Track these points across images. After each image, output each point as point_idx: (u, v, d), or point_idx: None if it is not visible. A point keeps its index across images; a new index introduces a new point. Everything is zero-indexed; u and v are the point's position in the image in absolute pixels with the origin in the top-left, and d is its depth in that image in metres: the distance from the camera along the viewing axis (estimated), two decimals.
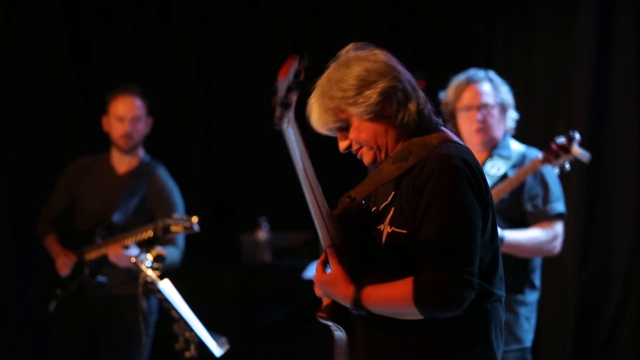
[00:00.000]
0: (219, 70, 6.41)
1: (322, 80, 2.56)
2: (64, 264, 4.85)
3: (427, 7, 6.13)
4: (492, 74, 4.29)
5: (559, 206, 4.16)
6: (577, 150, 4.02)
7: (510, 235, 4.02)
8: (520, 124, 4.44)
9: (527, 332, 4.17)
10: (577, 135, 4.02)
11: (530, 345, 4.19)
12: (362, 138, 2.55)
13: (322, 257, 2.54)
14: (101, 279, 4.81)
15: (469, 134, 4.24)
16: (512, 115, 4.30)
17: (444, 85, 4.37)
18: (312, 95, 2.56)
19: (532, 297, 4.19)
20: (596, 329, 5.46)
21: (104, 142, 5.09)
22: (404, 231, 2.45)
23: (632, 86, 5.35)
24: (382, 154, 2.56)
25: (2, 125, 5.91)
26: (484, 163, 4.21)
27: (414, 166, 2.48)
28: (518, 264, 4.11)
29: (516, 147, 4.28)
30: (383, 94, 2.49)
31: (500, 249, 2.55)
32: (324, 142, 2.79)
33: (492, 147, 4.25)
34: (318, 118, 2.56)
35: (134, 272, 4.40)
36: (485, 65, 5.76)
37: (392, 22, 6.21)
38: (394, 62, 2.55)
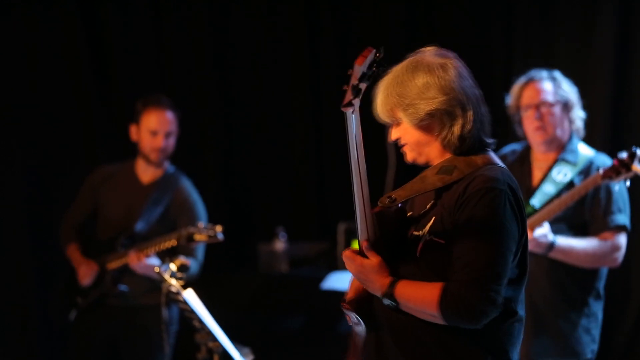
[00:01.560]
0: (239, 80, 6.41)
1: (394, 72, 2.63)
2: (86, 273, 4.85)
3: (444, 13, 6.12)
4: (556, 73, 4.26)
5: (621, 218, 4.10)
6: (637, 167, 3.91)
7: (562, 242, 4.00)
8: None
9: (587, 344, 4.12)
10: (639, 152, 3.91)
11: (591, 357, 4.14)
12: (406, 140, 2.65)
13: (355, 249, 2.60)
14: (123, 287, 4.81)
15: (530, 133, 4.23)
16: (580, 114, 4.26)
17: None
18: (382, 80, 2.63)
19: (595, 307, 4.15)
20: (615, 341, 5.42)
21: (123, 148, 5.09)
22: (442, 241, 2.52)
23: None
24: (422, 159, 2.66)
25: (21, 132, 5.91)
26: (550, 168, 4.19)
27: (456, 182, 2.56)
28: (583, 271, 4.09)
29: (585, 151, 4.23)
30: (431, 112, 2.57)
31: (527, 273, 2.62)
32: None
33: (559, 150, 4.22)
34: (379, 105, 2.65)
35: (156, 281, 4.40)
36: (504, 72, 5.78)
37: (408, 33, 6.21)
38: (460, 79, 2.59)
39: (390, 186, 5.29)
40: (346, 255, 2.61)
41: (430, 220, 2.58)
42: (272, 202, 6.40)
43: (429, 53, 2.65)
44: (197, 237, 4.54)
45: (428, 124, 2.59)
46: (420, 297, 2.49)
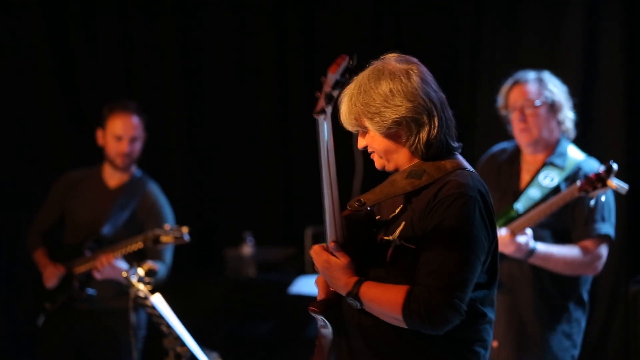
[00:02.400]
0: (205, 83, 6.40)
1: (357, 81, 2.63)
2: (51, 276, 4.82)
3: (411, 10, 6.11)
4: (544, 74, 4.24)
5: (604, 227, 4.07)
6: (612, 183, 3.88)
7: (542, 248, 4.00)
8: (506, 134, 4.45)
9: (566, 350, 4.12)
10: (615, 166, 3.88)
11: None
12: (374, 147, 2.66)
13: (325, 246, 2.61)
14: (90, 291, 4.78)
15: (516, 135, 4.24)
16: (569, 115, 4.23)
17: None
18: (347, 88, 2.63)
19: (577, 313, 4.14)
20: (609, 344, 5.44)
21: (92, 152, 5.07)
22: (413, 246, 2.53)
23: (618, 92, 5.35)
24: (391, 166, 2.66)
25: None
26: (537, 172, 4.18)
27: (426, 186, 2.57)
28: (566, 277, 4.08)
29: (575, 155, 4.21)
30: (397, 120, 2.57)
31: (497, 276, 2.63)
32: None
33: (548, 152, 4.21)
34: (343, 116, 2.66)
35: (124, 286, 4.38)
36: (470, 73, 5.79)
37: (374, 29, 6.18)
38: (424, 84, 2.60)
39: (358, 191, 5.29)
40: (314, 249, 2.61)
41: (400, 225, 2.58)
42: (239, 207, 6.39)
43: (391, 60, 2.64)
44: (164, 238, 4.54)
45: (395, 131, 2.59)
46: (384, 299, 2.50)
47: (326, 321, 2.64)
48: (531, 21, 5.60)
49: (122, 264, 4.62)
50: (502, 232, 3.99)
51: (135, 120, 4.90)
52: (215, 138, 6.40)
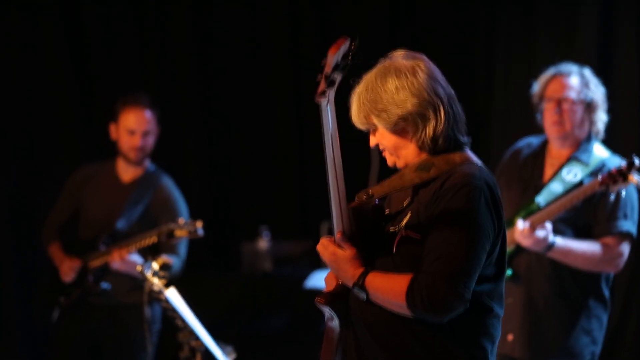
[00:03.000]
0: (220, 78, 6.39)
1: (365, 80, 2.65)
2: (69, 269, 4.83)
3: (427, 7, 6.12)
4: (586, 71, 4.21)
5: (626, 225, 4.02)
6: (634, 178, 3.86)
7: (561, 243, 3.98)
8: (521, 131, 4.43)
9: (585, 346, 4.08)
10: (638, 162, 3.87)
11: (590, 359, 4.10)
12: (383, 144, 2.67)
13: (332, 238, 2.60)
14: (105, 285, 4.79)
15: (547, 126, 4.20)
16: (602, 117, 4.20)
17: None
18: (356, 88, 2.66)
19: (597, 309, 4.11)
20: (619, 342, 5.39)
21: (105, 146, 5.08)
22: (418, 236, 2.53)
23: (634, 93, 5.33)
24: (401, 163, 2.67)
25: (1, 136, 5.89)
26: (561, 167, 4.16)
27: (434, 178, 2.58)
28: (585, 272, 4.06)
29: (600, 152, 4.18)
30: (403, 116, 2.59)
31: (505, 271, 2.62)
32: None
33: (574, 148, 4.18)
34: (354, 114, 2.67)
35: (138, 280, 4.39)
36: (486, 72, 5.78)
37: (390, 27, 6.19)
38: (430, 80, 2.61)
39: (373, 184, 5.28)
40: (322, 242, 2.61)
41: (406, 216, 2.59)
42: (255, 201, 6.38)
43: (398, 57, 2.66)
44: (178, 232, 4.55)
45: (402, 127, 2.60)
46: (389, 287, 2.49)
47: (333, 313, 2.64)
48: (547, 18, 5.58)
49: (137, 258, 4.64)
50: (521, 225, 3.98)
51: (148, 114, 4.89)
52: (230, 132, 6.40)
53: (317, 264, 5.84)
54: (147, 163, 5.00)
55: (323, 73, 2.35)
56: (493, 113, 5.74)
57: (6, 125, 5.89)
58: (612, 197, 3.96)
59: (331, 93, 2.38)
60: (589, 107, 4.16)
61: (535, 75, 5.38)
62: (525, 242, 3.97)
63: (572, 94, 4.13)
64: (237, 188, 6.41)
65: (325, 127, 2.45)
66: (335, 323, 2.65)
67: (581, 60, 5.32)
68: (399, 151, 2.64)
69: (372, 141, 2.69)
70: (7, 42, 5.91)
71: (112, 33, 6.20)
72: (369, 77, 2.64)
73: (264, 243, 6.02)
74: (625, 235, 4.03)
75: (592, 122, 4.18)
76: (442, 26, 6.02)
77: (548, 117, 4.18)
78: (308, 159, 6.40)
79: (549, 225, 3.98)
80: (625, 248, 4.05)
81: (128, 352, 4.80)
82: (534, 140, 4.37)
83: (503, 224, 2.57)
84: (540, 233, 3.95)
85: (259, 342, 5.78)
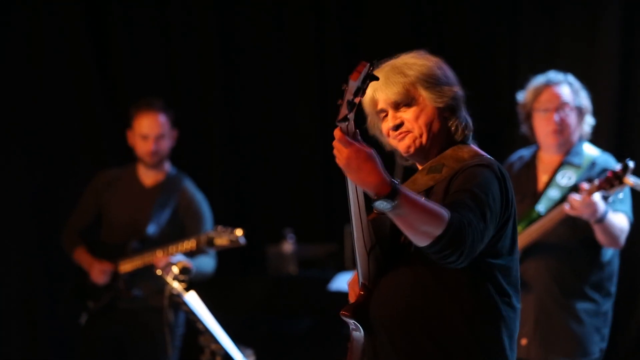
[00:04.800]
0: (245, 81, 6.41)
1: (393, 62, 2.66)
2: (101, 272, 4.86)
3: (450, 11, 6.12)
4: (571, 78, 4.31)
5: (623, 207, 4.12)
6: (629, 181, 3.94)
7: (610, 214, 4.01)
8: None
9: (596, 343, 4.15)
10: (631, 164, 3.94)
11: (599, 356, 4.17)
12: (417, 122, 2.64)
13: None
14: (137, 291, 4.83)
15: (545, 135, 4.27)
16: (589, 120, 4.31)
17: (466, 92, 4.36)
18: (383, 66, 2.67)
19: (606, 306, 4.17)
20: (621, 341, 5.39)
21: (130, 152, 5.11)
22: None
23: None
24: (419, 143, 2.64)
25: (27, 136, 5.95)
26: (555, 172, 4.23)
27: (446, 179, 2.58)
28: (598, 272, 4.14)
29: (590, 151, 4.27)
30: (455, 97, 2.65)
31: (518, 261, 2.62)
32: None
33: (565, 152, 4.25)
34: (388, 84, 2.63)
35: (162, 284, 4.41)
36: (510, 71, 5.76)
37: (414, 25, 6.19)
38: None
39: None
40: (338, 137, 2.35)
41: None
42: (280, 204, 6.40)
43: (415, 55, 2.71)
44: (218, 241, 4.56)
45: (449, 107, 2.64)
46: (430, 208, 2.33)
47: (358, 325, 2.62)
48: (569, 17, 5.58)
49: (182, 258, 4.61)
50: (578, 197, 3.98)
51: (161, 118, 4.92)
52: (255, 135, 6.42)
53: (342, 266, 5.84)
54: (168, 166, 5.03)
55: (344, 99, 2.32)
56: (517, 113, 5.71)
57: (31, 128, 5.95)
58: (611, 199, 4.01)
59: (352, 117, 2.35)
60: (580, 112, 4.26)
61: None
62: (586, 211, 3.96)
63: (569, 101, 4.23)
64: (262, 191, 6.42)
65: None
66: (359, 334, 2.64)
67: (603, 60, 5.33)
68: (429, 131, 2.63)
69: (395, 119, 2.65)
70: (32, 45, 5.97)
71: (136, 35, 6.24)
72: (404, 58, 2.67)
73: (288, 246, 6.03)
74: (625, 215, 4.12)
75: (581, 127, 4.28)
76: (466, 28, 6.01)
77: (544, 127, 4.24)
78: (332, 162, 6.35)
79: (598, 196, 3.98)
80: (627, 227, 4.12)
81: (151, 356, 4.82)
82: (524, 153, 4.44)
83: (513, 210, 2.57)
84: (597, 199, 3.95)
85: (285, 344, 5.79)
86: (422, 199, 2.37)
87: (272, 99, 6.37)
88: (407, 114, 2.64)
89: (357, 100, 2.33)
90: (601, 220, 3.99)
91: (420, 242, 2.37)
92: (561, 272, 4.13)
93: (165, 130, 4.92)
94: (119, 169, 5.13)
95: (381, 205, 2.31)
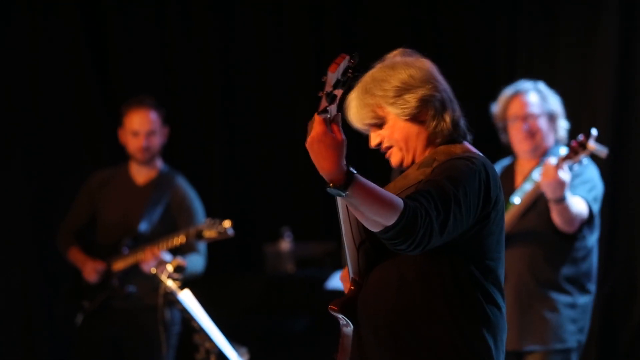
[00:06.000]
0: (242, 79, 6.42)
1: (366, 79, 2.67)
2: (92, 270, 4.88)
3: (448, 10, 6.13)
4: (540, 85, 4.42)
5: (587, 195, 4.18)
6: (592, 145, 4.05)
7: (568, 197, 4.06)
8: None
9: (572, 333, 4.23)
10: (594, 132, 4.06)
11: (577, 346, 4.25)
12: (394, 137, 2.66)
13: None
14: (131, 288, 4.84)
15: (518, 142, 4.39)
16: (563, 124, 4.42)
17: (465, 92, 4.37)
18: (352, 91, 2.67)
19: (581, 300, 4.25)
20: (620, 339, 5.40)
21: (123, 150, 5.13)
22: None
23: None
24: (409, 157, 2.67)
25: (24, 137, 5.97)
26: (531, 170, 4.33)
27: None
28: (571, 267, 4.22)
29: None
30: (421, 100, 2.62)
31: (503, 261, 2.65)
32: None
33: (541, 155, 4.35)
34: (356, 112, 2.67)
35: (157, 282, 4.42)
36: (509, 70, 5.77)
37: (412, 26, 6.21)
38: (436, 72, 2.68)
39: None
40: (316, 119, 2.37)
41: None
42: (277, 202, 6.40)
43: (399, 54, 2.72)
44: (207, 233, 4.56)
45: (419, 112, 2.62)
46: (384, 196, 2.35)
47: (347, 320, 2.64)
48: (568, 19, 5.60)
49: (169, 258, 4.65)
50: (552, 161, 4.04)
51: (152, 115, 4.94)
52: (253, 134, 6.42)
53: (340, 265, 5.84)
54: (160, 164, 5.05)
55: (324, 91, 2.34)
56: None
57: (30, 130, 5.96)
58: (575, 167, 4.10)
59: (333, 109, 2.36)
60: (551, 118, 4.37)
61: (557, 77, 5.41)
62: (549, 181, 4.01)
63: (535, 110, 4.35)
64: (260, 189, 6.43)
65: None
66: (349, 329, 2.65)
67: (602, 61, 5.34)
68: (409, 142, 2.64)
69: (375, 140, 2.69)
70: (30, 47, 5.97)
71: (134, 36, 6.24)
72: (371, 74, 2.66)
73: (286, 244, 6.04)
74: (586, 202, 4.18)
75: (555, 131, 4.39)
76: (464, 28, 6.02)
77: (516, 134, 4.38)
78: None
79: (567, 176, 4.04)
80: (585, 213, 4.16)
81: (148, 354, 4.83)
82: (506, 162, 4.55)
83: (494, 210, 2.56)
84: (564, 176, 4.00)
85: (282, 343, 5.80)
86: (380, 190, 2.36)
87: (271, 98, 6.38)
88: (384, 131, 2.67)
89: (337, 92, 2.34)
90: (561, 200, 4.04)
91: (372, 228, 2.39)
92: (535, 262, 4.23)
93: (156, 126, 4.94)
94: (111, 169, 5.15)
95: (332, 192, 2.35)
